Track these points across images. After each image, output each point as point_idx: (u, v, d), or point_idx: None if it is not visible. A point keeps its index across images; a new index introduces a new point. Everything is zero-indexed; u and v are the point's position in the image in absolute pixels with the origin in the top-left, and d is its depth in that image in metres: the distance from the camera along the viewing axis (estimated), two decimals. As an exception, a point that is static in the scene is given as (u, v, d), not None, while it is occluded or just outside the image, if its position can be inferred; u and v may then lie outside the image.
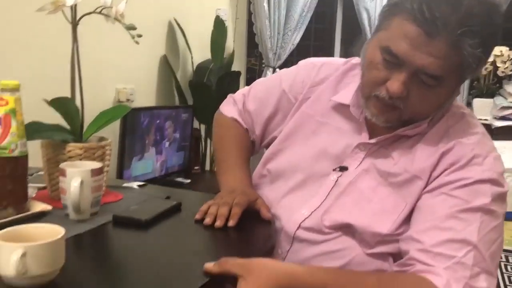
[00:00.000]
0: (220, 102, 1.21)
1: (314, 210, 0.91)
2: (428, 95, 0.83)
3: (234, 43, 3.33)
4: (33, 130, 0.92)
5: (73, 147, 0.96)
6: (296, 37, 3.37)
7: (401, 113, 0.85)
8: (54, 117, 1.00)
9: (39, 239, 0.62)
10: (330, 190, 0.92)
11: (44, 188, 1.06)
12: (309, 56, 1.15)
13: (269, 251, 0.89)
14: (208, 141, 3.09)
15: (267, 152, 1.06)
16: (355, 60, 1.02)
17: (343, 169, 0.93)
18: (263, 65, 3.49)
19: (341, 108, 0.98)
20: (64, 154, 0.96)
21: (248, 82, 3.68)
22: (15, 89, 0.85)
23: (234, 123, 1.14)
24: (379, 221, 0.85)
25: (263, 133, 1.11)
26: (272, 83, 1.11)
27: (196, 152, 3.02)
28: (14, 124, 0.85)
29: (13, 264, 0.58)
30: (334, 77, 1.01)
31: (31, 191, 1.03)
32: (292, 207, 0.94)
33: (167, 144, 2.59)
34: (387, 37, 0.82)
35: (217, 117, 1.19)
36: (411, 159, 0.87)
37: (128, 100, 2.47)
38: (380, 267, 0.85)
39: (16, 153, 0.86)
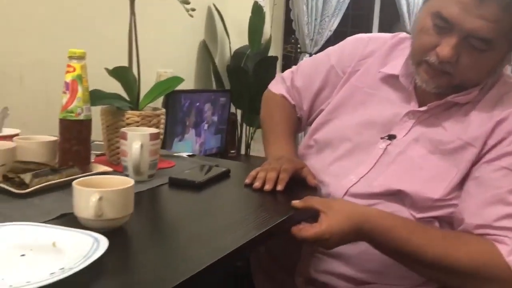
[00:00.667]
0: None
1: (362, 177, 0.95)
2: (478, 60, 0.84)
3: (271, 29, 3.35)
4: (95, 97, 0.98)
5: (131, 115, 1.02)
6: (334, 23, 3.37)
7: (451, 79, 0.87)
8: (113, 87, 1.06)
9: (111, 187, 0.68)
10: (379, 158, 0.95)
11: (101, 155, 1.13)
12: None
13: (314, 216, 0.93)
14: (244, 126, 3.14)
15: (314, 123, 1.10)
16: (403, 34, 1.04)
17: (391, 137, 0.96)
18: (300, 51, 3.51)
19: (389, 79, 1.01)
20: (122, 121, 1.02)
21: (284, 68, 3.71)
22: (81, 57, 0.91)
23: (282, 100, 1.18)
24: (430, 186, 0.88)
25: (311, 107, 1.14)
26: (320, 59, 1.15)
27: (232, 136, 3.08)
28: (80, 89, 0.91)
29: (91, 207, 0.64)
30: (382, 50, 1.04)
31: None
32: (340, 174, 0.98)
33: (206, 126, 2.66)
34: (438, 3, 0.84)
35: (265, 95, 1.25)
36: (464, 127, 0.89)
37: (168, 83, 2.55)
38: None
39: (81, 117, 0.92)
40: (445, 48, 0.83)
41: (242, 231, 0.72)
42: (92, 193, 0.64)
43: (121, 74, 1.01)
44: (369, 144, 0.97)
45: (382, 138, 0.97)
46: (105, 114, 1.04)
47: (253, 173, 0.98)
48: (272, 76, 3.13)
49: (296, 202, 0.85)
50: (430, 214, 0.88)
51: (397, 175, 0.91)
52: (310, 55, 3.43)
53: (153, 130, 0.97)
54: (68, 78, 0.91)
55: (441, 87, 0.89)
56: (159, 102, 2.06)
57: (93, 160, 1.08)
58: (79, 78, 0.91)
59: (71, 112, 0.91)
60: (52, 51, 1.62)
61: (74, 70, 0.91)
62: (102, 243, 0.59)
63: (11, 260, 0.58)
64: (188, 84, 2.82)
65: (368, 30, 3.52)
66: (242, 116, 3.14)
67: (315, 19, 3.36)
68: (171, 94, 2.40)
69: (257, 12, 3.05)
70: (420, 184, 0.88)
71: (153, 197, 0.90)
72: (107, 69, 1.00)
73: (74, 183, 0.67)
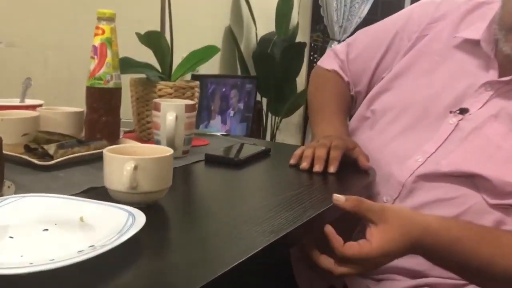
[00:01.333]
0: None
1: (429, 156, 0.83)
2: None
3: (298, 15, 3.24)
4: (124, 64, 0.89)
5: (163, 86, 0.92)
6: (364, 10, 3.25)
7: None
8: (143, 57, 0.97)
9: (147, 156, 0.58)
10: (449, 135, 0.83)
11: (130, 131, 1.05)
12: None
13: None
14: (269, 115, 3.04)
15: (371, 92, 0.98)
16: None
17: (463, 111, 0.84)
18: (328, 39, 3.39)
19: (466, 45, 0.89)
20: (154, 92, 0.93)
21: (311, 58, 3.60)
22: (111, 19, 0.82)
23: (334, 76, 1.06)
24: (511, 169, 0.76)
25: (370, 81, 1.02)
26: (380, 27, 1.03)
27: (257, 125, 2.98)
28: (109, 54, 0.83)
29: (126, 177, 0.54)
30: (455, 15, 0.92)
31: (118, 133, 1.02)
32: (403, 153, 0.86)
33: (231, 113, 2.57)
34: None
35: (314, 72, 1.12)
36: None
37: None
38: (499, 220, 0.76)
39: (111, 85, 0.83)
40: None
41: (297, 211, 0.62)
42: (126, 160, 0.55)
43: (153, 39, 0.92)
44: (436, 119, 0.86)
45: (452, 112, 0.85)
46: (135, 85, 0.95)
47: (298, 151, 0.87)
48: (300, 64, 3.03)
49: (342, 200, 0.67)
50: (508, 202, 0.76)
51: (472, 155, 0.79)
52: (339, 42, 3.31)
53: (189, 101, 0.87)
54: (97, 41, 0.82)
55: None
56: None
57: (121, 137, 1.00)
58: (109, 42, 0.82)
59: (100, 79, 0.83)
60: (76, 33, 1.55)
61: (103, 32, 0.82)
62: (139, 219, 0.50)
63: (32, 236, 0.50)
64: (213, 69, 2.74)
65: (400, 17, 3.37)
66: (268, 105, 3.04)
67: (344, 5, 3.24)
68: (196, 78, 2.32)
69: (286, -2, 2.95)
70: (499, 166, 0.76)
71: (189, 174, 0.81)
72: (138, 34, 0.91)
73: (105, 150, 0.58)
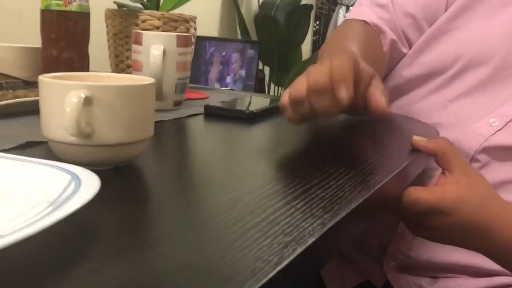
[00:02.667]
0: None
1: (510, 121, 0.61)
2: None
3: (304, -23, 2.99)
4: (96, -15, 0.66)
5: (149, 16, 0.69)
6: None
7: None
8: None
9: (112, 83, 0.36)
10: None
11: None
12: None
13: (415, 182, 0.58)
14: (272, 86, 2.81)
15: (422, 38, 0.73)
16: None
17: None
18: (334, 5, 3.14)
19: None
20: (136, 25, 0.69)
21: (315, 27, 3.35)
22: None
23: (365, 26, 0.75)
24: None
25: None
26: None
27: (259, 96, 2.76)
28: (71, -37, 0.59)
29: (69, 116, 0.32)
30: None
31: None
32: (471, 114, 0.64)
33: (233, 80, 2.33)
34: None
35: (338, 27, 0.82)
36: None
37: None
38: None
39: (74, 7, 0.60)
40: None
41: (353, 178, 0.39)
42: (71, 88, 0.32)
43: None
44: None
45: None
46: (112, 16, 0.72)
47: (288, 94, 0.50)
48: (305, 29, 2.79)
49: (419, 139, 0.52)
50: None
51: None
52: (347, 7, 3.06)
53: (182, 34, 0.64)
54: None
55: None
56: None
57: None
58: None
59: (58, -2, 0.59)
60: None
61: None
62: (87, 185, 0.28)
63: None
64: (211, 33, 2.51)
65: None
66: (271, 74, 2.81)
67: (354, -34, 2.98)
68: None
69: (290, -45, 2.69)
70: None
71: (181, 131, 0.58)
72: None
73: (40, 76, 0.35)
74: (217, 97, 0.77)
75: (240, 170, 0.43)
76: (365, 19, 0.74)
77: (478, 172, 0.53)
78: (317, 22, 3.37)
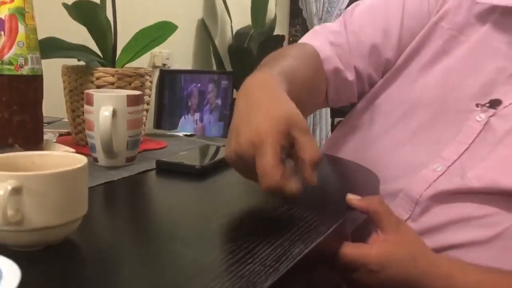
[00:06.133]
0: None
1: (451, 164, 0.64)
2: None
3: (276, 8, 3.07)
4: (51, 46, 0.68)
5: (103, 73, 0.71)
6: (344, 2, 3.08)
7: None
8: (79, 39, 0.76)
9: (44, 169, 0.37)
10: (477, 136, 0.64)
11: (68, 134, 0.83)
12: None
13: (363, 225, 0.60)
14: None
15: (378, 83, 0.77)
16: None
17: (494, 104, 0.64)
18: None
19: (491, 16, 0.69)
20: (91, 82, 0.71)
21: (290, 52, 3.42)
22: (23, -18, 0.61)
23: (310, 51, 0.74)
24: None
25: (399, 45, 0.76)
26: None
27: (235, 124, 2.79)
28: (22, 29, 0.61)
29: None
30: None
31: (50, 136, 0.81)
32: (416, 161, 0.66)
33: (209, 110, 2.36)
34: None
35: (284, 47, 0.81)
36: None
37: (164, 65, 2.28)
38: None
39: (25, 71, 0.62)
40: None
41: (279, 247, 0.41)
42: (1, 179, 0.34)
43: (86, 13, 0.70)
44: (458, 113, 0.66)
45: (479, 105, 0.65)
46: (68, 73, 0.74)
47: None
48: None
49: (353, 198, 0.55)
50: None
51: (509, 165, 0.60)
52: (320, 36, 3.14)
53: (133, 91, 0.66)
54: (3, 11, 0.61)
55: None
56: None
57: (54, 140, 0.79)
58: (20, 13, 0.61)
59: (9, 63, 0.61)
60: None
61: (12, 0, 0.61)
62: (8, 278, 0.29)
63: None
64: (186, 65, 2.54)
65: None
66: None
67: (324, -4, 3.07)
68: (167, 75, 2.11)
69: (261, -12, 2.76)
70: None
71: (131, 190, 0.60)
72: (65, 5, 0.70)
73: (-25, 162, 0.37)
74: (175, 146, 0.79)
75: (187, 236, 0.44)
76: (312, 44, 0.76)
77: (409, 229, 0.56)
78: (292, 49, 3.45)
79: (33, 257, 0.31)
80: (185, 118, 2.18)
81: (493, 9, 0.68)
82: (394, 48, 0.75)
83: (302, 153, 0.47)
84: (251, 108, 0.50)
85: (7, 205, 0.33)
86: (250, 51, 2.66)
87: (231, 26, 2.75)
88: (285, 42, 3.31)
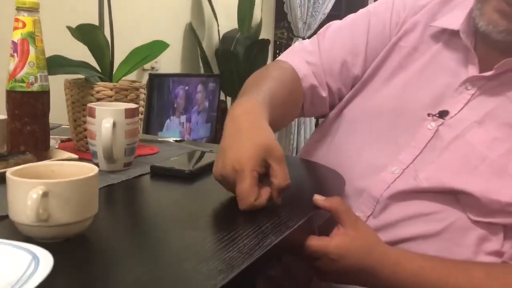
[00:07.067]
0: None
1: (406, 168, 0.74)
2: None
3: (261, 12, 3.15)
4: (55, 64, 0.77)
5: (102, 87, 0.80)
6: (327, 6, 3.18)
7: None
8: (79, 55, 0.85)
9: (64, 177, 0.47)
10: (428, 142, 0.74)
11: (68, 140, 0.92)
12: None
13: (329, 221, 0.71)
14: (235, 114, 2.94)
15: (348, 95, 0.87)
16: None
17: (443, 114, 0.74)
18: (292, 36, 3.31)
19: (443, 36, 0.79)
20: (91, 95, 0.80)
21: (275, 55, 3.51)
22: (33, 9, 0.70)
23: (288, 69, 0.84)
24: (499, 185, 0.67)
25: (365, 62, 0.85)
26: (360, 17, 0.88)
27: (222, 125, 2.88)
28: (32, 51, 0.70)
29: (31, 207, 0.42)
30: (432, 4, 0.81)
31: (53, 142, 0.89)
32: (377, 163, 0.76)
33: (196, 112, 2.45)
34: None
35: (264, 67, 0.90)
36: None
37: (152, 68, 2.36)
38: (483, 237, 0.68)
39: (35, 88, 0.71)
40: None
41: (254, 238, 0.51)
42: (32, 186, 0.43)
43: (88, 34, 0.79)
44: (412, 122, 0.76)
45: (430, 114, 0.75)
46: (70, 87, 0.83)
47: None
48: (264, 61, 2.94)
49: (319, 198, 0.64)
50: (495, 220, 0.67)
51: (454, 168, 0.70)
52: (303, 39, 3.23)
53: (130, 105, 0.76)
54: (16, 36, 0.69)
55: None
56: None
57: (57, 146, 0.87)
58: (31, 37, 0.70)
59: (21, 81, 0.70)
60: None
61: (24, 25, 0.69)
62: (44, 262, 0.38)
63: None
64: (174, 68, 2.61)
65: (365, 13, 3.32)
66: (232, 104, 2.94)
67: (308, 1, 3.17)
68: (156, 79, 2.19)
69: (247, -7, 2.85)
70: (484, 181, 0.67)
71: (129, 191, 0.69)
72: (70, 28, 0.79)
73: (8, 172, 0.46)
74: (166, 152, 0.89)
75: (178, 229, 0.54)
76: (290, 63, 0.85)
77: (365, 225, 0.67)
78: (278, 51, 3.54)
79: (55, 248, 0.40)
80: (170, 120, 2.26)
81: (443, 31, 0.79)
82: (362, 65, 0.86)
83: (273, 178, 0.59)
84: (236, 134, 0.63)
85: (38, 206, 0.42)
86: (236, 54, 2.75)
87: (218, 30, 2.83)
88: (271, 45, 3.41)
